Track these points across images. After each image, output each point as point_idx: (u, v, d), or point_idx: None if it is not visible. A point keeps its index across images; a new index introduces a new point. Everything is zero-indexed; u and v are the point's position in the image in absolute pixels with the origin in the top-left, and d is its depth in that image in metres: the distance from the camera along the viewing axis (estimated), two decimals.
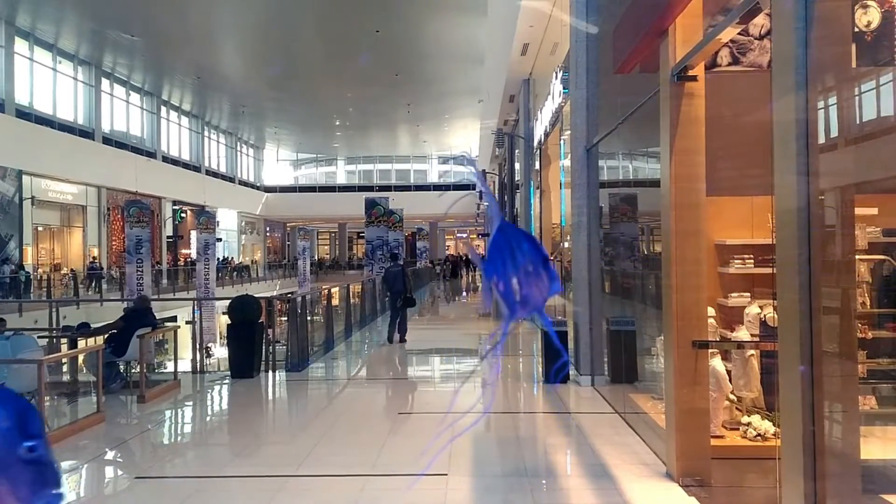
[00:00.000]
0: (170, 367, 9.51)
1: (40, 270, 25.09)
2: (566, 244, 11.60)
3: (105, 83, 30.49)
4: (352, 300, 15.18)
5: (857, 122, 4.01)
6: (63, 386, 8.83)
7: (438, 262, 45.40)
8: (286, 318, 10.57)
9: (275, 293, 28.23)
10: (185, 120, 38.95)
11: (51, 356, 7.90)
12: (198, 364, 9.88)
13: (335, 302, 13.82)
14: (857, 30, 3.58)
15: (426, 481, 5.02)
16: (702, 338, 4.82)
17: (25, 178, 23.95)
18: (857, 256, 4.51)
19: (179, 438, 7.05)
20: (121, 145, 31.10)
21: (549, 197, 14.46)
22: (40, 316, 14.85)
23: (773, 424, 5.07)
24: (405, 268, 13.63)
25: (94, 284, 24.97)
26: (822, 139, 3.20)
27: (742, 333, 5.50)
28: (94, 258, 27.85)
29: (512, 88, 19.19)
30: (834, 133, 3.63)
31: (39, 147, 24.41)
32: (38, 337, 8.83)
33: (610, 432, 6.20)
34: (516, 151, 22.22)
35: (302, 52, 28.73)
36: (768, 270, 5.34)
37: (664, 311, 4.98)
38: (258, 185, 51.01)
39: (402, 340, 12.74)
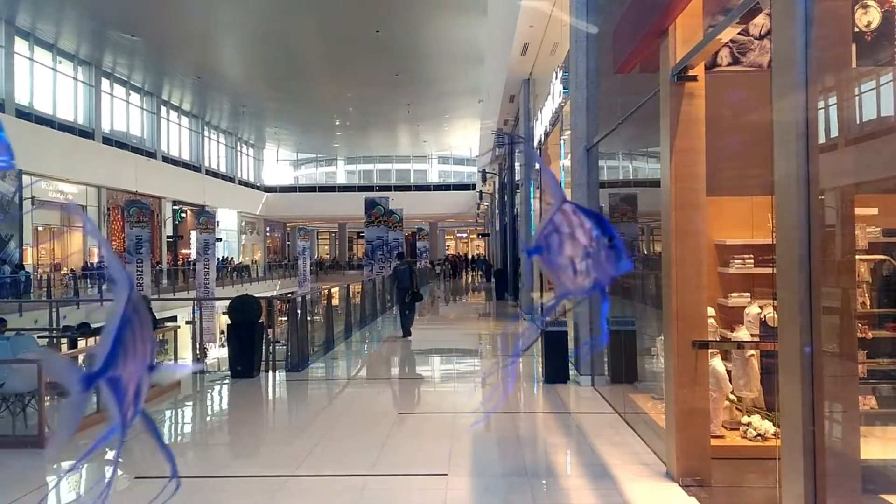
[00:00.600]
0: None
1: (40, 270, 25.08)
2: None
3: (105, 83, 30.48)
4: (352, 300, 15.18)
5: (857, 122, 4.01)
6: (63, 386, 8.82)
7: (438, 262, 45.36)
8: (286, 318, 10.58)
9: (275, 293, 28.23)
10: (185, 120, 38.93)
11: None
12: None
13: (335, 302, 13.83)
14: (857, 30, 3.58)
15: (426, 481, 5.02)
16: (702, 338, 4.82)
17: (25, 178, 23.94)
18: (857, 256, 4.51)
19: (179, 438, 7.04)
20: (121, 145, 31.09)
21: (549, 197, 14.43)
22: (40, 316, 14.85)
23: (774, 424, 5.07)
24: (412, 265, 14.72)
25: (90, 284, 24.87)
26: (822, 139, 3.19)
27: (742, 333, 5.50)
28: (99, 259, 27.62)
29: (512, 88, 19.16)
30: (834, 133, 3.63)
31: (39, 147, 24.40)
32: (38, 337, 8.83)
33: (610, 432, 6.20)
34: (516, 151, 22.21)
35: (302, 52, 28.71)
36: (768, 270, 5.33)
37: (664, 311, 4.98)
38: (258, 185, 50.99)
39: (407, 335, 13.26)
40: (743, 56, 5.02)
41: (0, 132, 1.23)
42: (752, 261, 5.70)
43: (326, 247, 62.24)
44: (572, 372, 8.60)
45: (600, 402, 7.45)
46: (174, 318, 11.35)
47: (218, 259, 29.80)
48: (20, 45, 25.11)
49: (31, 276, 22.92)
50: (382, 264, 23.60)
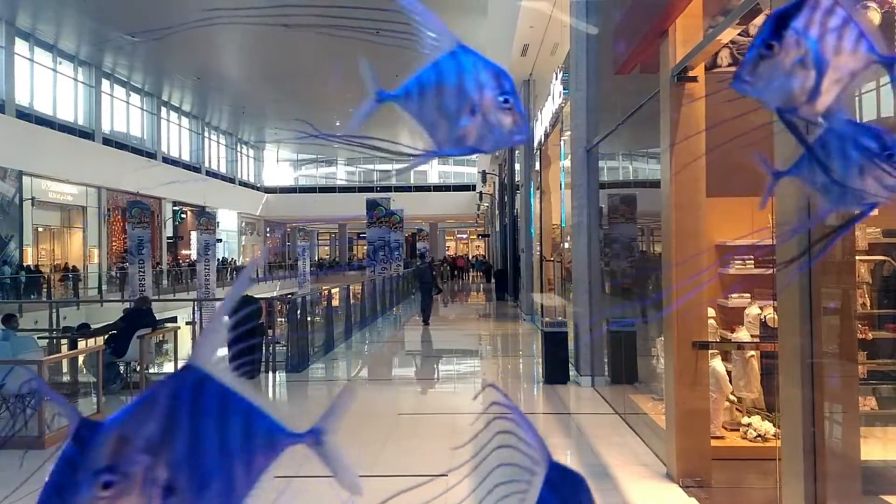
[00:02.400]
0: (169, 367, 9.51)
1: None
2: (566, 245, 11.61)
3: (105, 84, 30.50)
4: (352, 301, 15.17)
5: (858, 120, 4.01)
6: (63, 387, 8.82)
7: (437, 262, 45.27)
8: (286, 319, 10.57)
9: (275, 294, 28.22)
10: (185, 121, 38.95)
11: (51, 357, 7.90)
12: None
13: (335, 303, 13.83)
14: None
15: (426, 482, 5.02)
16: (702, 338, 4.82)
17: (25, 179, 23.94)
18: (857, 257, 4.50)
19: None
20: (121, 146, 31.10)
21: (550, 198, 14.46)
22: (40, 316, 14.84)
23: (774, 425, 5.07)
24: (431, 264, 18.86)
25: (73, 287, 24.52)
26: None
27: (742, 334, 5.49)
28: (73, 266, 27.11)
29: None
30: None
31: (40, 148, 24.41)
32: (39, 337, 8.83)
33: (610, 433, 6.20)
34: (516, 152, 22.22)
35: (302, 53, 28.74)
36: (769, 271, 5.33)
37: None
38: (258, 185, 51.00)
39: (427, 322, 15.56)
40: (743, 57, 5.02)
41: (513, 97, 0.94)
42: (753, 261, 5.70)
43: (326, 247, 62.28)
44: (572, 372, 8.60)
45: (600, 402, 7.44)
46: (174, 319, 11.33)
47: (218, 260, 29.79)
48: (20, 45, 25.12)
49: (43, 275, 22.91)
50: (384, 265, 23.56)
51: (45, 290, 22.95)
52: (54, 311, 11.90)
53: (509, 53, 16.09)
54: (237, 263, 40.73)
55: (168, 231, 34.54)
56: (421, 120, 1.07)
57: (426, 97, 1.04)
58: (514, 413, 0.87)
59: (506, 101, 0.96)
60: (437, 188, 53.88)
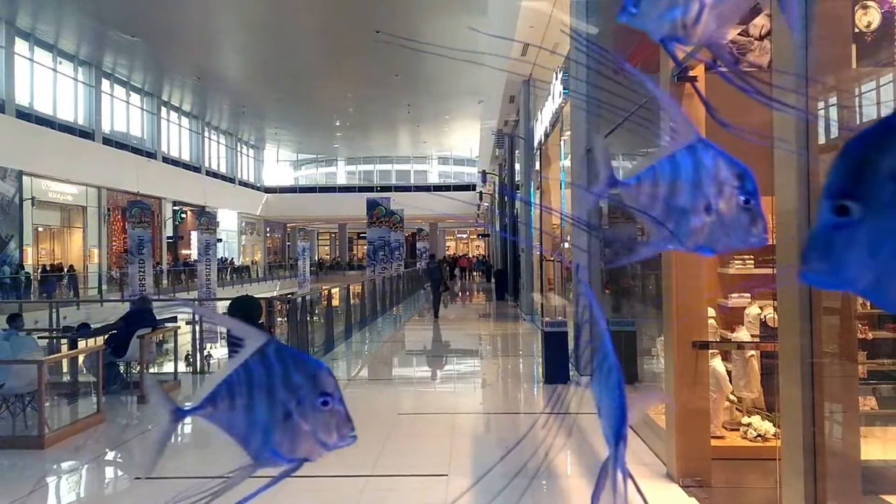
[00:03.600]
0: (169, 367, 9.51)
1: (39, 271, 25.10)
2: (566, 244, 11.61)
3: (105, 84, 30.49)
4: (352, 301, 15.17)
5: (858, 122, 4.01)
6: (63, 387, 8.82)
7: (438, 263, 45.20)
8: (286, 319, 10.57)
9: (275, 294, 28.23)
10: (185, 120, 38.94)
11: (51, 357, 7.90)
12: (197, 365, 9.88)
13: (335, 303, 13.83)
14: (857, 30, 3.58)
15: (426, 481, 5.02)
16: (702, 338, 4.81)
17: (25, 179, 23.95)
18: None
19: (179, 439, 7.04)
20: (121, 146, 31.10)
21: (550, 197, 14.46)
22: (40, 316, 14.84)
23: (774, 425, 5.07)
24: (440, 263, 20.14)
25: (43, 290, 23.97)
26: (822, 139, 3.20)
27: (742, 334, 5.49)
28: (71, 266, 26.89)
29: (512, 89, 19.16)
30: (834, 133, 3.63)
31: (40, 148, 24.42)
32: (39, 337, 8.83)
33: None
34: (516, 152, 22.22)
35: (302, 53, 28.74)
36: (768, 271, 5.34)
37: (664, 311, 4.98)
38: (258, 185, 51.00)
39: (436, 316, 17.32)
40: (743, 56, 5.02)
41: (755, 198, 0.79)
42: (753, 261, 5.70)
43: (326, 247, 62.29)
44: (572, 372, 8.60)
45: None
46: (174, 319, 11.32)
47: (218, 260, 29.81)
48: (20, 45, 25.12)
49: (57, 276, 22.85)
50: (384, 265, 23.59)
51: (52, 290, 22.96)
52: (54, 310, 11.88)
53: (509, 53, 16.08)
54: (236, 264, 40.76)
55: (168, 230, 34.54)
56: (649, 212, 0.98)
57: (658, 190, 0.98)
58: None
59: (747, 201, 0.91)
60: (438, 188, 53.88)
